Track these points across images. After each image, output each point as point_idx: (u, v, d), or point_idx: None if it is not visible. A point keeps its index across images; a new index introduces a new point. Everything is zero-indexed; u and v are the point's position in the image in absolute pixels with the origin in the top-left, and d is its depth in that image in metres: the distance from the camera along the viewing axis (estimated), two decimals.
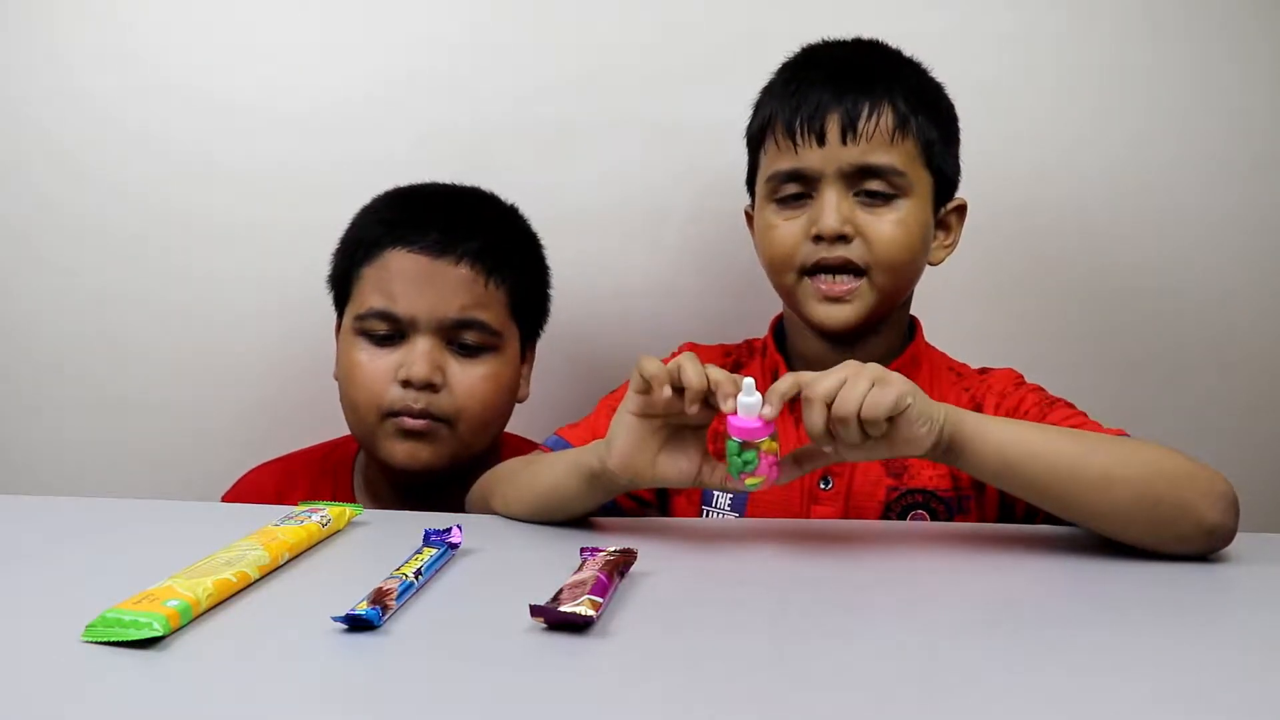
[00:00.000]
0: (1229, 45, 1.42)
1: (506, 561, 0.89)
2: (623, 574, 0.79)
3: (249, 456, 1.30)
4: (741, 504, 1.09)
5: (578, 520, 0.99)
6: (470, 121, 1.42)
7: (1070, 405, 1.06)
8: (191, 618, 0.68)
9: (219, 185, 1.43)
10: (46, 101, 1.42)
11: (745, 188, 1.18)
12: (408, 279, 1.14)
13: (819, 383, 0.85)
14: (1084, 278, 1.44)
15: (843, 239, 1.05)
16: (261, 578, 0.78)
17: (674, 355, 1.03)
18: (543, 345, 1.29)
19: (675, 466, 0.91)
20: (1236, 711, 0.62)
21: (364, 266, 1.17)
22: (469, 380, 1.15)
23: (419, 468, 1.14)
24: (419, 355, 1.13)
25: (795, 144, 1.07)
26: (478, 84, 1.42)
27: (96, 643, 0.65)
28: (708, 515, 1.10)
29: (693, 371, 0.86)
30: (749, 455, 0.85)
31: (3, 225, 1.44)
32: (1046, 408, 1.06)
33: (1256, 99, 1.42)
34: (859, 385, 0.84)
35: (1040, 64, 1.42)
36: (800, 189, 1.08)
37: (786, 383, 0.86)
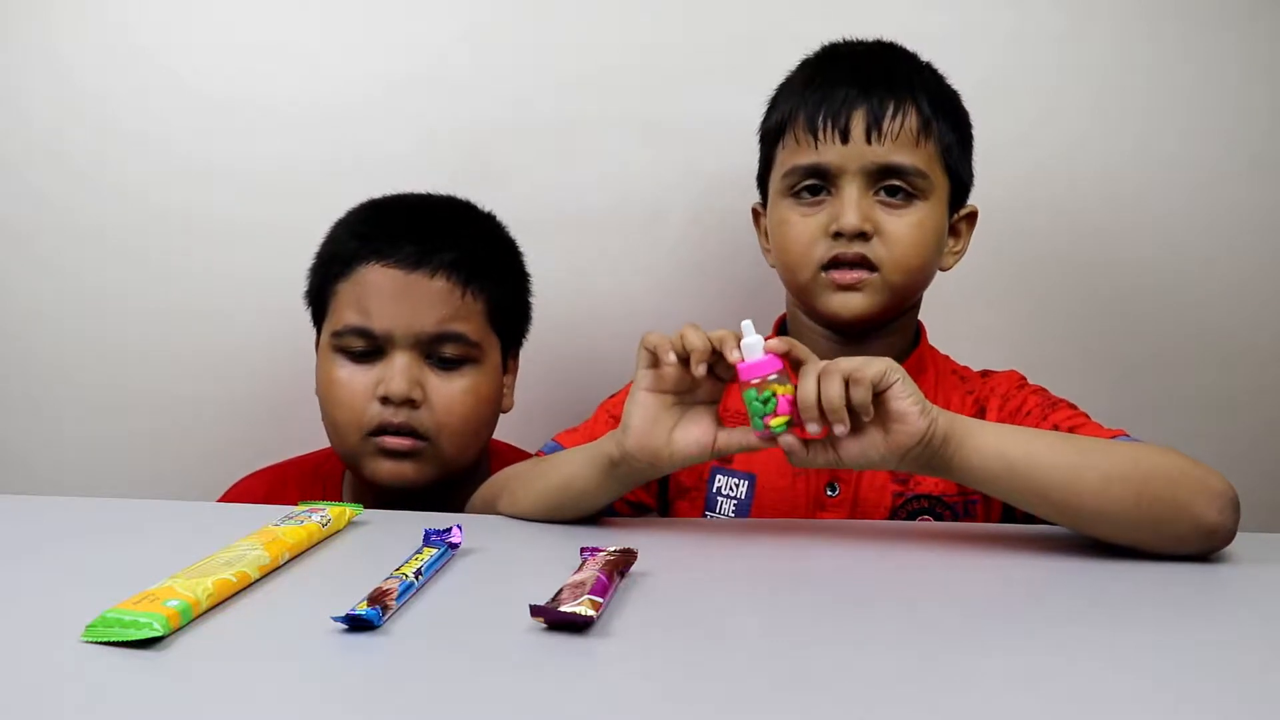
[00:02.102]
0: (1228, 44, 1.42)
1: (506, 561, 0.89)
2: (623, 574, 0.79)
3: (250, 456, 1.30)
4: (746, 509, 1.09)
5: (579, 520, 0.99)
6: (470, 121, 1.42)
7: (1073, 406, 1.06)
8: (191, 618, 0.68)
9: (219, 185, 1.43)
10: (46, 101, 1.43)
11: (755, 185, 1.18)
12: (383, 294, 1.12)
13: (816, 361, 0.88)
14: (1084, 278, 1.44)
15: (862, 236, 1.05)
16: (261, 578, 0.78)
17: None
18: (542, 347, 1.29)
19: (691, 438, 0.91)
20: (1236, 711, 0.62)
21: (339, 282, 1.15)
22: (449, 394, 1.13)
23: (405, 486, 1.13)
24: (397, 371, 1.11)
25: (817, 140, 1.07)
26: (478, 84, 1.42)
27: (96, 643, 0.65)
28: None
29: (694, 335, 0.88)
30: (767, 395, 0.86)
31: (2, 225, 1.44)
32: (1049, 409, 1.05)
33: (1256, 98, 1.42)
34: (852, 360, 0.86)
35: (1040, 64, 1.42)
36: (819, 183, 1.08)
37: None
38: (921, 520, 1.07)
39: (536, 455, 1.11)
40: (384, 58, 1.43)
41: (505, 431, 1.25)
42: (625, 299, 1.44)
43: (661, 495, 1.14)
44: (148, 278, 1.44)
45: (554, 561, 0.82)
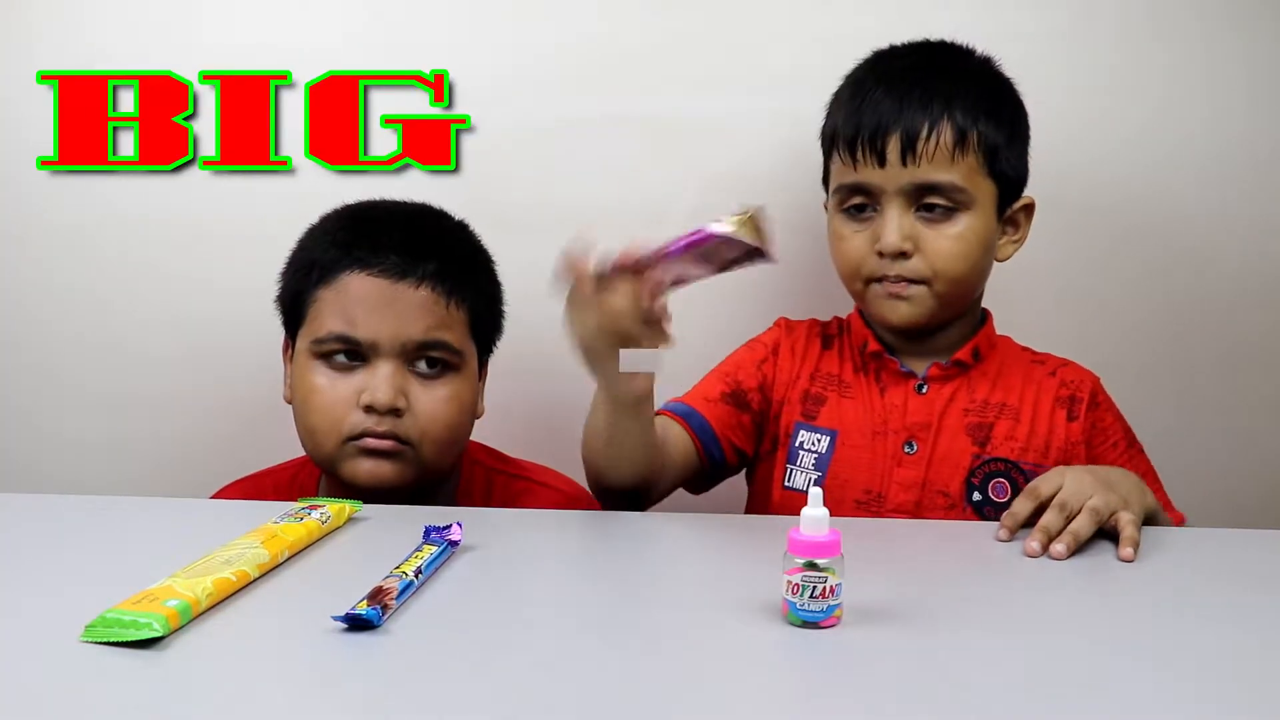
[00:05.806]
0: (1231, 43, 1.41)
1: (506, 559, 0.89)
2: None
3: (248, 455, 1.30)
4: (825, 463, 1.12)
5: (578, 519, 0.99)
6: (470, 121, 1.42)
7: (1145, 456, 1.15)
8: (191, 617, 0.68)
9: (217, 187, 1.42)
10: (45, 101, 1.42)
11: (821, 185, 1.20)
12: (368, 303, 1.11)
13: (1045, 482, 0.95)
14: (1086, 275, 1.44)
15: (903, 255, 1.09)
16: (261, 576, 0.78)
17: (769, 330, 1.17)
18: (542, 347, 1.29)
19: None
20: (1237, 709, 0.62)
21: (319, 289, 1.14)
22: (432, 403, 1.13)
23: (382, 487, 1.11)
24: (382, 380, 1.11)
25: (856, 162, 1.10)
26: (478, 83, 1.42)
27: (96, 643, 0.65)
28: (791, 474, 1.13)
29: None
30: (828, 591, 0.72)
31: (2, 227, 1.44)
32: (1132, 452, 1.14)
33: (1258, 97, 1.42)
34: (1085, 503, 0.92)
35: (1041, 63, 1.42)
36: (864, 201, 1.11)
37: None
38: (996, 483, 1.10)
39: (662, 414, 1.13)
40: (384, 57, 1.43)
41: (493, 430, 1.24)
42: None
43: (750, 453, 1.17)
44: (148, 279, 1.44)
45: (554, 559, 0.82)
